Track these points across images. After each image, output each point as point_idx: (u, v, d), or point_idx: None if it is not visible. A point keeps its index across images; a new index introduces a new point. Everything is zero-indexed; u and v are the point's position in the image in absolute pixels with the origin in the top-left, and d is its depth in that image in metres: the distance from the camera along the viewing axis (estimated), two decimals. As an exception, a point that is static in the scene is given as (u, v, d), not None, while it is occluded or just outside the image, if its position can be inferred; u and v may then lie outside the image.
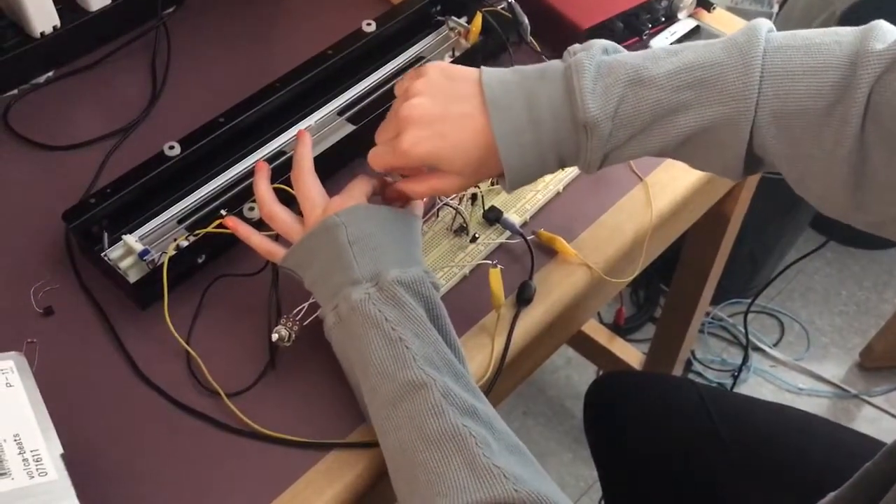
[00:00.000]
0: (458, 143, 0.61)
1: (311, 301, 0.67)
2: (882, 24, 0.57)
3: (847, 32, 0.58)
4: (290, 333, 0.66)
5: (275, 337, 0.66)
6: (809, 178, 0.60)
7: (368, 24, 0.89)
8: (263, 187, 0.69)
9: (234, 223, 0.69)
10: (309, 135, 0.71)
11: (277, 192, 0.71)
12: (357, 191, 0.66)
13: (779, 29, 0.60)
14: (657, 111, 0.59)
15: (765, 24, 0.59)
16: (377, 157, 0.65)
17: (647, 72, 0.59)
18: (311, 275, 0.64)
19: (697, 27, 0.95)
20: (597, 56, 0.60)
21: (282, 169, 0.79)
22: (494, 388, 0.69)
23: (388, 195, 0.68)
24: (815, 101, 0.57)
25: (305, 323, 0.67)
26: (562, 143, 0.61)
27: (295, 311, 0.67)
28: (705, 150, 0.61)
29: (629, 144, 0.61)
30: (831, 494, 0.66)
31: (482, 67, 0.63)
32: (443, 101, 0.62)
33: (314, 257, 0.63)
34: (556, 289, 0.74)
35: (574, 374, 1.62)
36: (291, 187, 0.70)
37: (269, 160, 0.81)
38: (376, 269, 0.61)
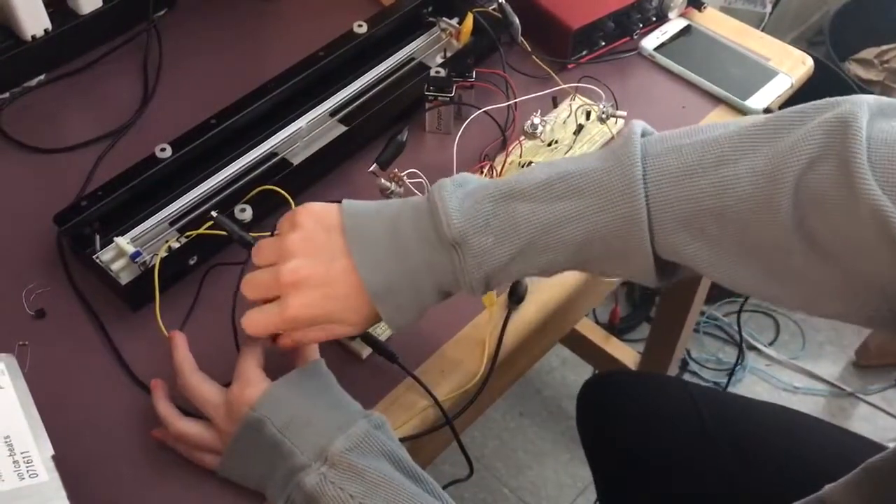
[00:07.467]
0: (347, 300, 0.58)
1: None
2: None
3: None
4: None
5: None
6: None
7: (360, 26, 0.89)
8: (163, 406, 0.63)
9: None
10: (181, 335, 0.65)
11: (268, 192, 0.71)
12: (250, 372, 0.61)
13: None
14: (534, 224, 0.56)
15: (638, 126, 0.56)
16: (257, 324, 0.60)
17: (517, 185, 0.56)
18: (254, 479, 0.60)
19: (688, 27, 0.95)
20: (465, 179, 0.59)
21: (274, 170, 0.80)
22: (487, 386, 0.69)
23: (282, 344, 0.62)
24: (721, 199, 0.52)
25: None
26: (435, 269, 0.58)
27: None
28: (606, 260, 0.57)
29: (514, 263, 0.57)
30: (828, 486, 0.65)
31: (343, 206, 0.60)
32: (324, 259, 0.58)
33: (250, 460, 0.60)
34: (547, 288, 0.74)
35: (570, 374, 1.62)
36: (281, 188, 0.70)
37: (261, 161, 0.81)
38: (320, 445, 0.56)
